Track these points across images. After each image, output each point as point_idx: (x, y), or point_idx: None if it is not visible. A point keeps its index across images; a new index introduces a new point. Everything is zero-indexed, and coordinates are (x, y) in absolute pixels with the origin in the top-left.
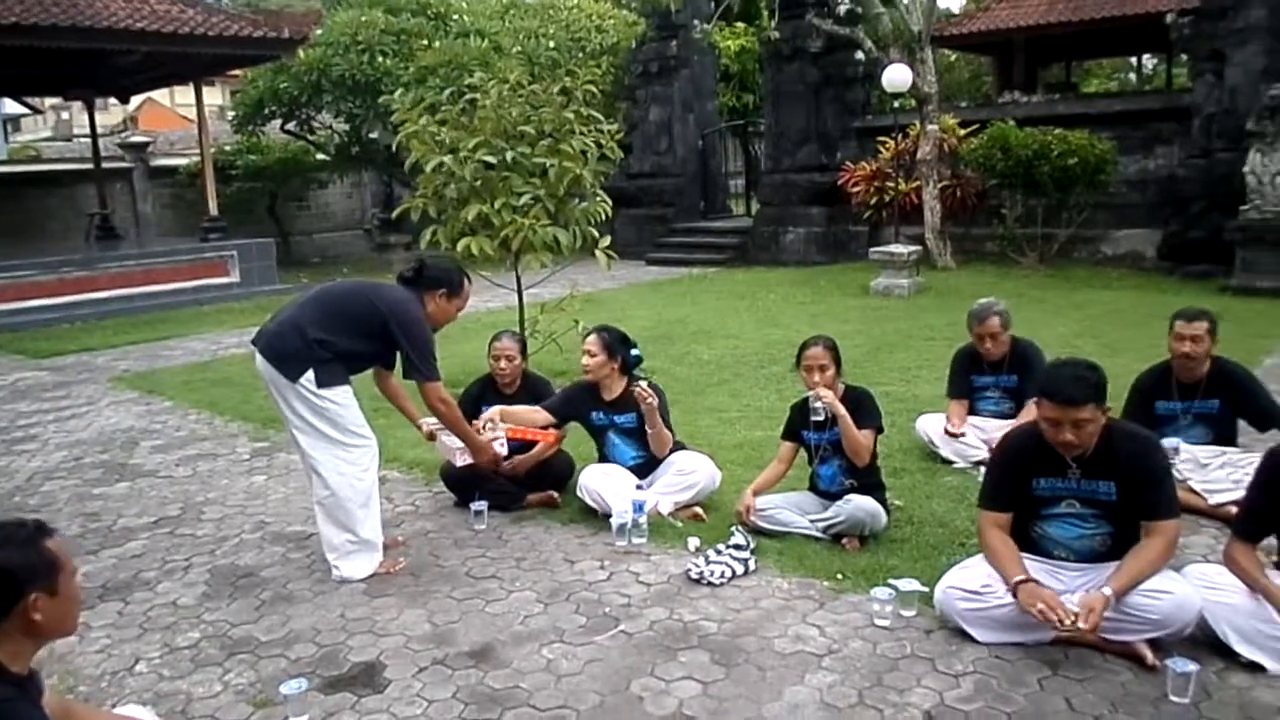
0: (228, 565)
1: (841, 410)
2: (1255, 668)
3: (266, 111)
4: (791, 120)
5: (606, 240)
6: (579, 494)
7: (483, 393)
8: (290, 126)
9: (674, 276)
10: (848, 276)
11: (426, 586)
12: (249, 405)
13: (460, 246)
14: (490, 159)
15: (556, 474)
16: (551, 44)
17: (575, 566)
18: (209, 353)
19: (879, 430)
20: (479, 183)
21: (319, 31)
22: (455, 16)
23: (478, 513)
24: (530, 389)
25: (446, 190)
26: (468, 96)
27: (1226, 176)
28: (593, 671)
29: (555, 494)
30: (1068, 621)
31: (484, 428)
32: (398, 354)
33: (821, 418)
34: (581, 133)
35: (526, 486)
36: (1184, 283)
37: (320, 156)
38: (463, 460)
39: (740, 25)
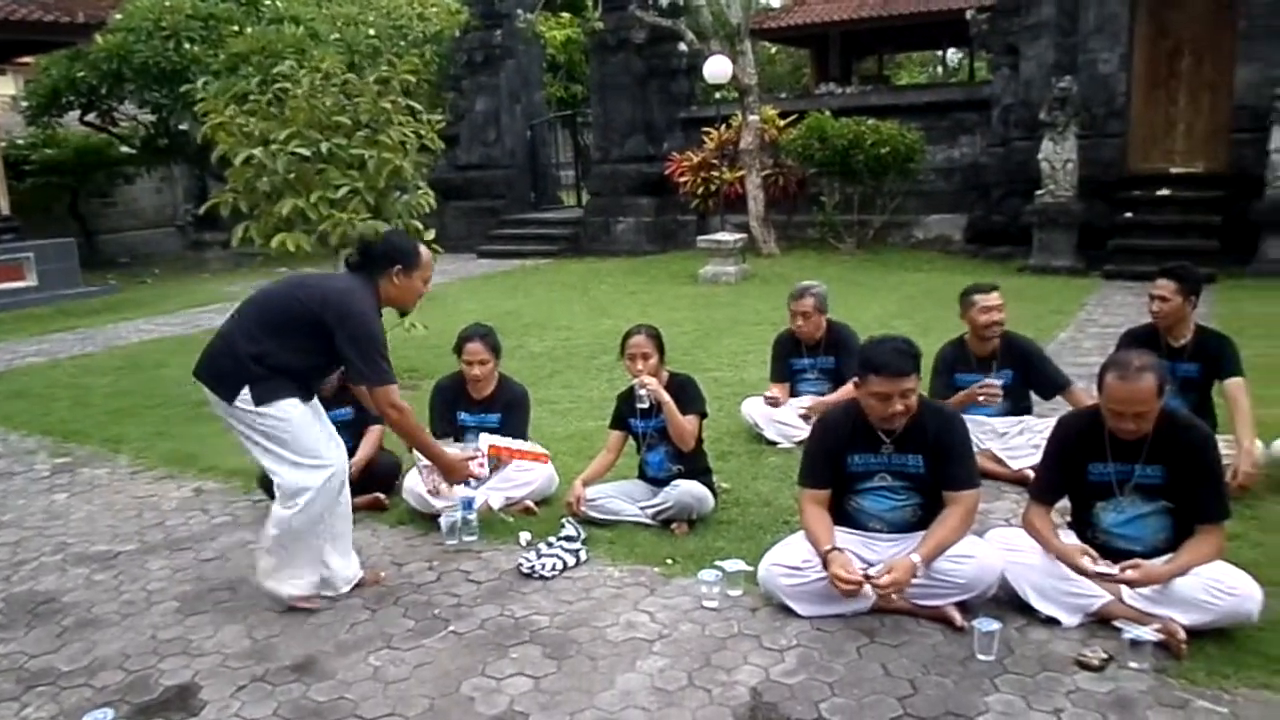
0: (24, 592)
1: (665, 397)
2: (1052, 622)
3: (63, 102)
4: (618, 111)
5: (432, 233)
6: (405, 496)
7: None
8: (90, 118)
9: (505, 269)
10: (677, 265)
11: (245, 600)
12: (49, 418)
13: (275, 243)
14: (304, 151)
15: (382, 476)
16: (372, 31)
17: (404, 569)
18: (3, 363)
19: (703, 415)
20: (293, 176)
21: (118, 16)
22: (268, 1)
23: None
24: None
25: (258, 184)
26: (278, 86)
27: (1023, 164)
28: (422, 675)
29: (382, 496)
30: (852, 584)
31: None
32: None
33: (646, 405)
34: (401, 123)
35: (351, 490)
36: (988, 264)
37: (125, 149)
38: (431, 480)
39: (566, 15)
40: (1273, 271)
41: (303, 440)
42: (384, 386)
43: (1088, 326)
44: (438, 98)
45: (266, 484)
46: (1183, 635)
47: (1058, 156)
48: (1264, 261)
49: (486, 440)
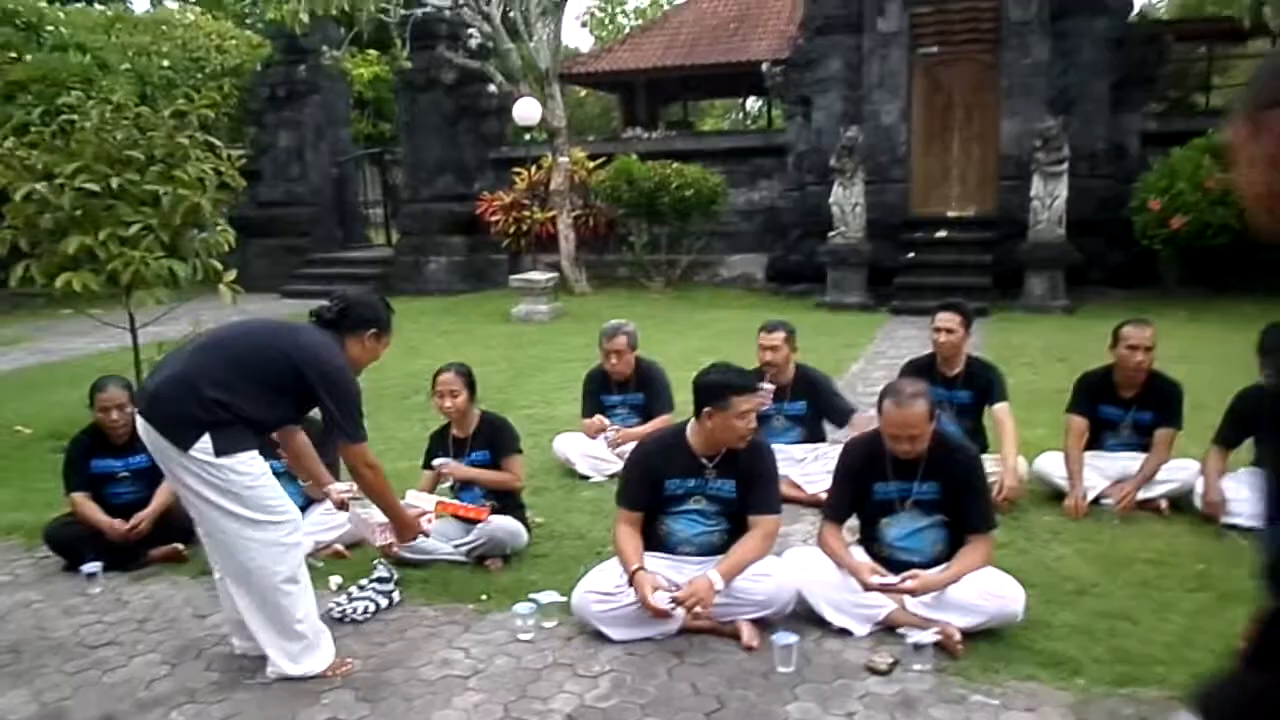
0: None
1: (469, 474)
2: (845, 633)
3: None
4: (429, 150)
5: (233, 274)
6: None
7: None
8: None
9: (313, 309)
10: (490, 304)
11: (31, 663)
12: None
13: (60, 282)
14: (93, 186)
15: (181, 524)
16: (166, 63)
17: (206, 621)
18: None
19: (519, 452)
20: (80, 212)
21: None
22: (51, 28)
23: (90, 575)
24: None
25: (41, 220)
26: (64, 117)
27: (817, 207)
28: None
29: (180, 546)
30: (658, 602)
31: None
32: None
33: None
34: (199, 158)
35: (147, 541)
36: (788, 300)
37: None
38: (383, 538)
39: (373, 53)
40: (1037, 306)
41: (260, 496)
42: (360, 444)
43: (877, 359)
44: (238, 132)
45: (55, 542)
46: (959, 637)
47: (847, 201)
48: (1030, 297)
49: (435, 499)
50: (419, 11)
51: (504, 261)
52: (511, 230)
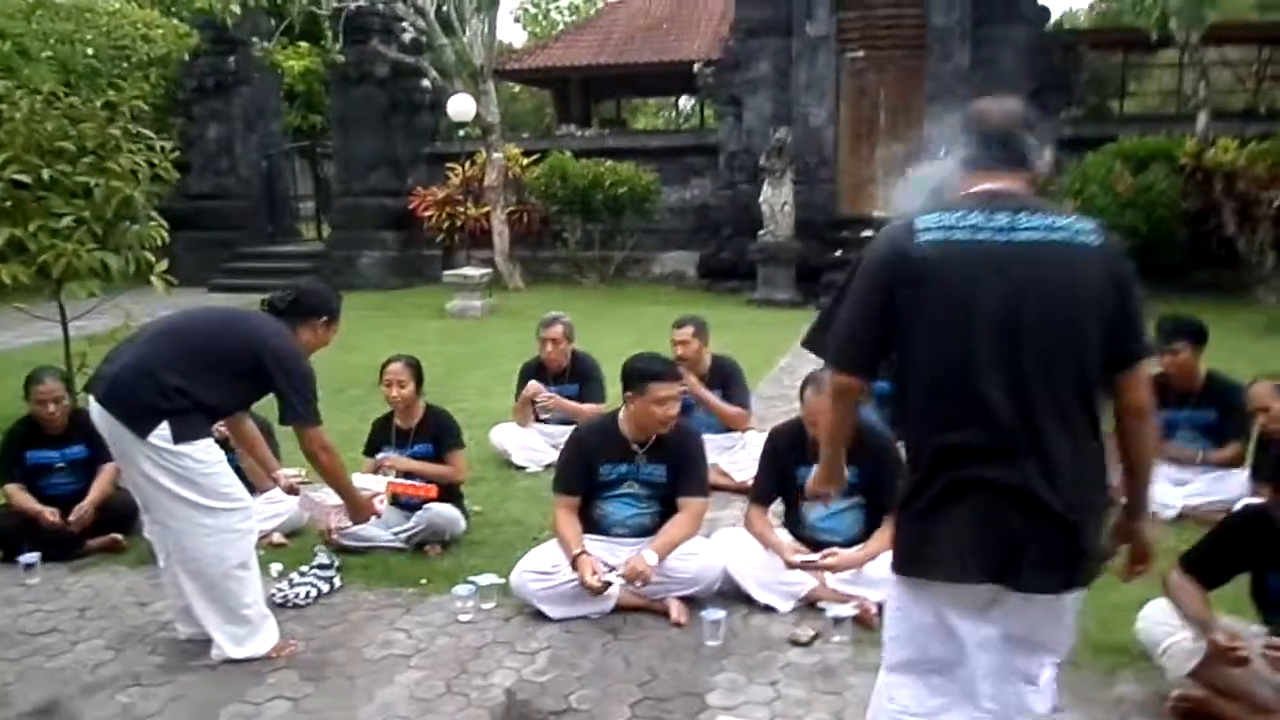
0: None
1: (411, 491)
2: (769, 609)
3: None
4: (361, 144)
5: (163, 265)
6: (146, 534)
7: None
8: None
9: (243, 304)
10: (424, 299)
11: None
12: None
13: None
14: (23, 177)
15: (119, 514)
16: (90, 51)
17: (149, 608)
18: None
19: (462, 447)
20: (9, 203)
21: None
22: None
23: (28, 566)
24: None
25: None
26: None
27: (747, 206)
28: (176, 709)
29: (119, 536)
30: (597, 583)
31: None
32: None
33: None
34: (131, 150)
35: (85, 532)
36: (719, 297)
37: None
38: (337, 520)
39: (304, 45)
40: None
41: (216, 483)
42: (316, 428)
43: (804, 353)
44: (164, 123)
45: None
46: (875, 610)
47: (776, 200)
48: None
49: (385, 480)
50: (352, 4)
51: (438, 257)
52: (445, 226)
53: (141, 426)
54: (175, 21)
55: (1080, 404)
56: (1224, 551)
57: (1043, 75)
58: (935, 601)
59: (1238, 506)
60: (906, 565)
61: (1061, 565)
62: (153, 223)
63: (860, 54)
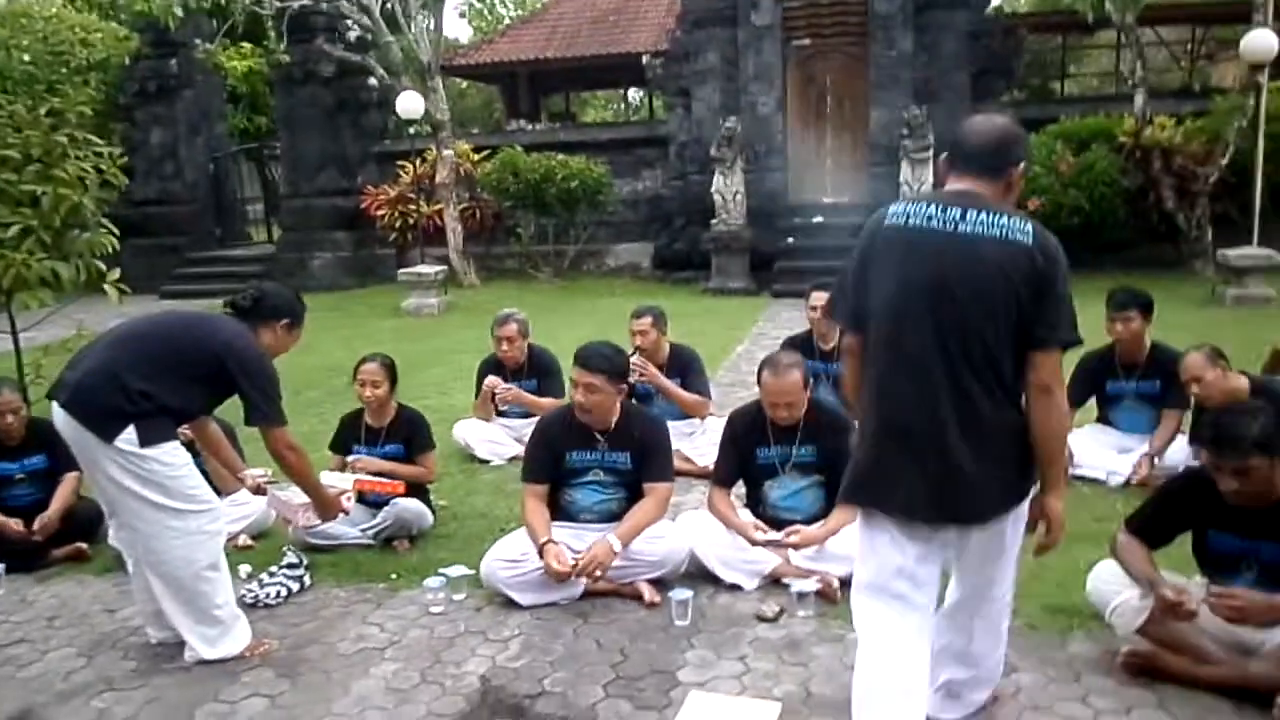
0: None
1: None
2: (735, 587)
3: None
4: (309, 144)
5: (116, 273)
6: (110, 542)
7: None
8: None
9: (195, 309)
10: (379, 298)
11: None
12: None
13: None
14: None
15: (82, 523)
16: (27, 57)
17: (118, 615)
18: None
19: (433, 448)
20: None
21: None
22: None
23: None
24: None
25: None
26: None
27: (699, 196)
28: (152, 711)
29: (84, 545)
30: (565, 569)
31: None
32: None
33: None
34: (78, 157)
35: (49, 541)
36: (675, 287)
37: None
38: (306, 519)
39: (247, 45)
40: None
41: (183, 485)
42: (281, 428)
43: (761, 339)
44: (106, 128)
45: None
46: (837, 584)
47: (728, 189)
48: None
49: (352, 477)
50: (296, 4)
51: (391, 256)
52: (398, 224)
53: (107, 431)
54: (114, 25)
55: (989, 371)
56: (1166, 512)
57: (984, 59)
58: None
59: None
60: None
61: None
62: (103, 230)
63: (806, 42)
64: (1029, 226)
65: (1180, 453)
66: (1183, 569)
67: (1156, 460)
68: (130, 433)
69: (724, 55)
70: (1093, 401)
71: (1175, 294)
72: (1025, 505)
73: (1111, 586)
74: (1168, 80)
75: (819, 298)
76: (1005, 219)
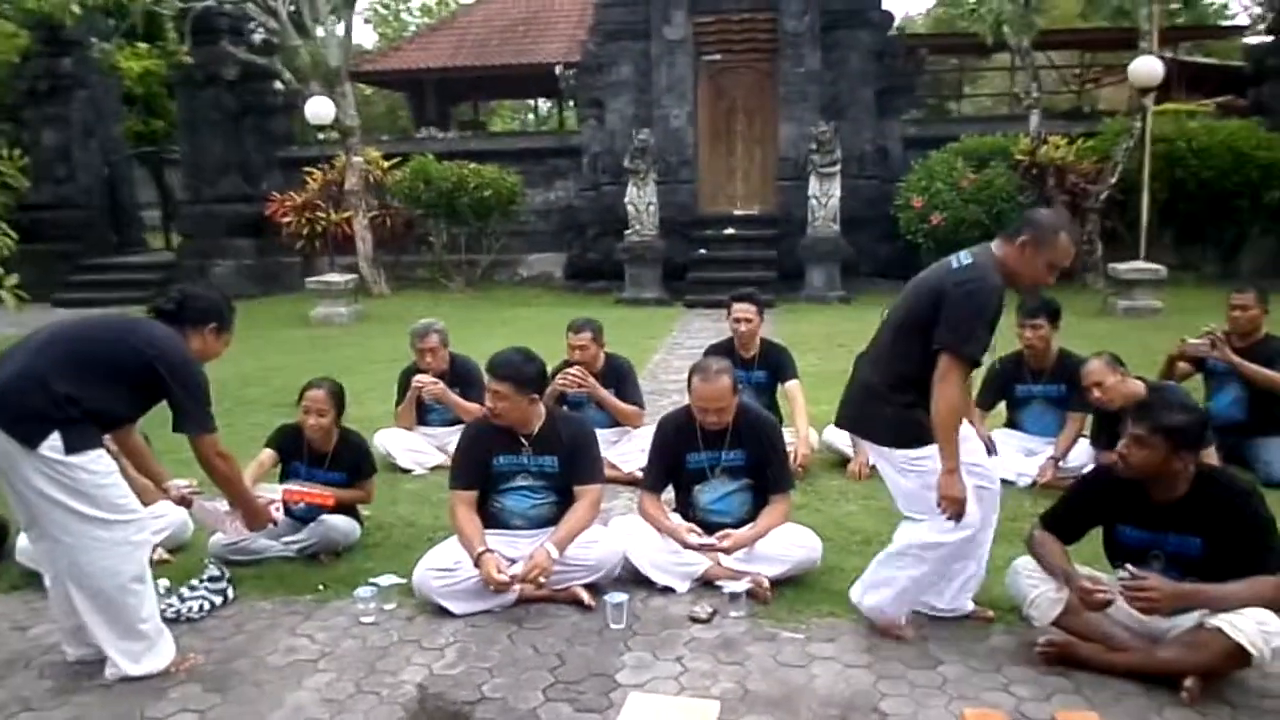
0: None
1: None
2: (668, 590)
3: None
4: (210, 149)
5: (15, 279)
6: (18, 558)
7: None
8: None
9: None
10: (285, 308)
11: None
12: None
13: None
14: None
15: None
16: None
17: (28, 633)
18: None
19: (374, 472)
20: None
21: None
22: None
23: None
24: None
25: None
26: None
27: (612, 206)
28: None
29: None
30: (505, 579)
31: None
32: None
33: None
34: None
35: None
36: (588, 298)
37: None
38: (234, 528)
39: (143, 46)
40: (817, 297)
41: (110, 495)
42: (212, 434)
43: (675, 348)
44: None
45: None
46: (767, 584)
47: (641, 200)
48: (810, 289)
49: (281, 487)
50: (199, 4)
51: (296, 264)
52: (305, 232)
53: (31, 437)
54: (2, 21)
55: (902, 359)
56: (1079, 509)
57: (888, 78)
58: None
59: (1083, 472)
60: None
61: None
62: (1, 233)
63: (717, 57)
64: (969, 260)
65: (1082, 455)
66: (1092, 565)
67: (1061, 463)
68: (55, 439)
69: (637, 68)
70: (1003, 406)
71: (1069, 306)
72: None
73: (1029, 580)
74: (1057, 102)
75: (744, 309)
76: (965, 257)
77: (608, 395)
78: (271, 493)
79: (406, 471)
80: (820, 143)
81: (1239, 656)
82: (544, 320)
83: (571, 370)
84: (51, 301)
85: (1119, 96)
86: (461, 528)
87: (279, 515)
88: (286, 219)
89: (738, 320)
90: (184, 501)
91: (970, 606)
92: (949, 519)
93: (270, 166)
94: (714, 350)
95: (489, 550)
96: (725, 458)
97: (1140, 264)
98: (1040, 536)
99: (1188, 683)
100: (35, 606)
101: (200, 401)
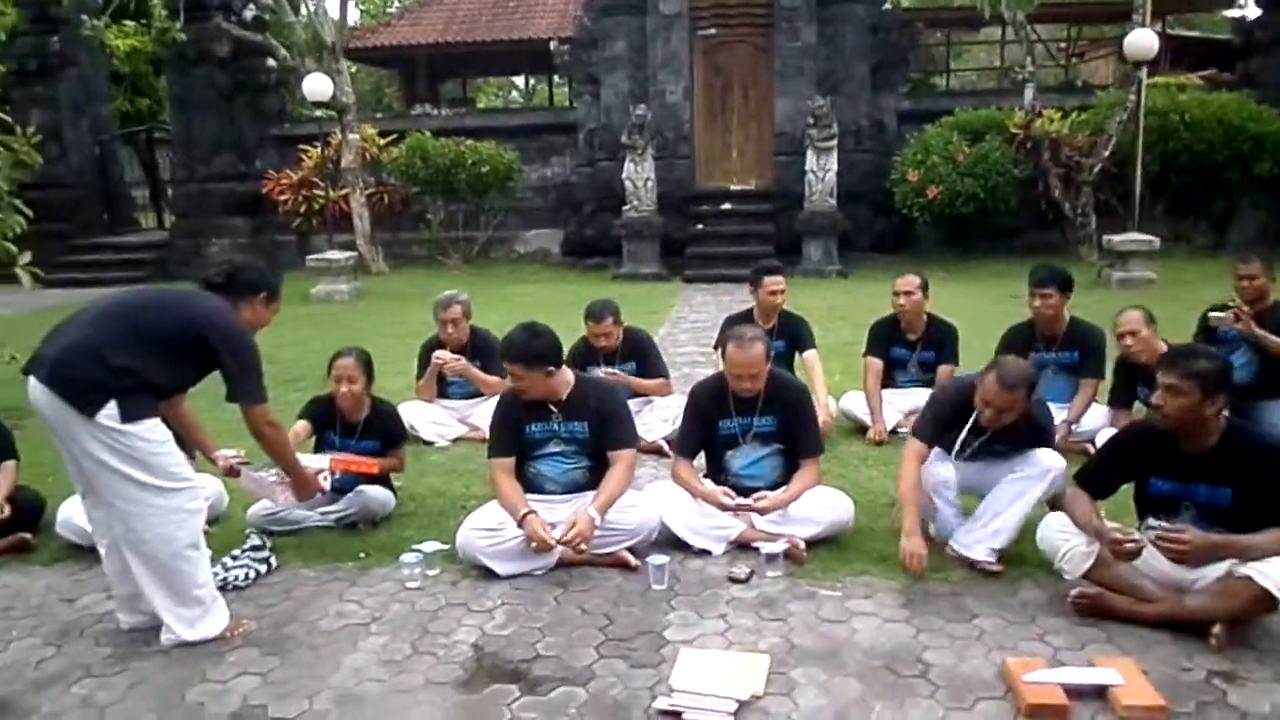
0: None
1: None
2: (704, 553)
3: None
4: (203, 127)
5: (27, 256)
6: (59, 530)
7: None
8: None
9: (85, 298)
10: (284, 286)
11: None
12: None
13: None
14: None
15: (24, 513)
16: None
17: (77, 604)
18: None
19: (405, 440)
20: None
21: None
22: None
23: None
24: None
25: None
26: None
27: (609, 183)
28: (139, 694)
29: (28, 536)
30: (550, 540)
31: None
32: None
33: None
34: None
35: None
36: (585, 274)
37: None
38: (284, 498)
39: (129, 24)
40: (815, 271)
41: (165, 463)
42: (263, 405)
43: (680, 323)
44: None
45: None
46: (803, 545)
47: (639, 176)
48: (808, 263)
49: (328, 457)
50: None
51: (292, 242)
52: (302, 210)
53: (88, 406)
54: None
55: None
56: (1112, 464)
57: (883, 52)
58: None
59: (1099, 436)
60: None
61: None
62: (15, 212)
63: (712, 32)
64: None
65: (1096, 420)
66: (1119, 519)
67: (1074, 427)
68: (112, 408)
69: (632, 43)
70: None
71: None
72: None
73: (1060, 535)
74: (1043, 76)
75: (776, 282)
76: None
77: (629, 377)
78: (316, 463)
79: (429, 444)
80: (817, 117)
81: (1266, 602)
82: (542, 296)
83: (603, 370)
84: (43, 282)
85: (1103, 70)
86: (504, 492)
87: (327, 484)
88: (283, 197)
89: (773, 292)
90: (233, 471)
91: (983, 556)
92: None
93: (264, 144)
94: (733, 320)
95: (532, 511)
96: (757, 423)
97: (1134, 235)
98: (1073, 493)
99: (1216, 629)
100: (79, 578)
101: (252, 372)
